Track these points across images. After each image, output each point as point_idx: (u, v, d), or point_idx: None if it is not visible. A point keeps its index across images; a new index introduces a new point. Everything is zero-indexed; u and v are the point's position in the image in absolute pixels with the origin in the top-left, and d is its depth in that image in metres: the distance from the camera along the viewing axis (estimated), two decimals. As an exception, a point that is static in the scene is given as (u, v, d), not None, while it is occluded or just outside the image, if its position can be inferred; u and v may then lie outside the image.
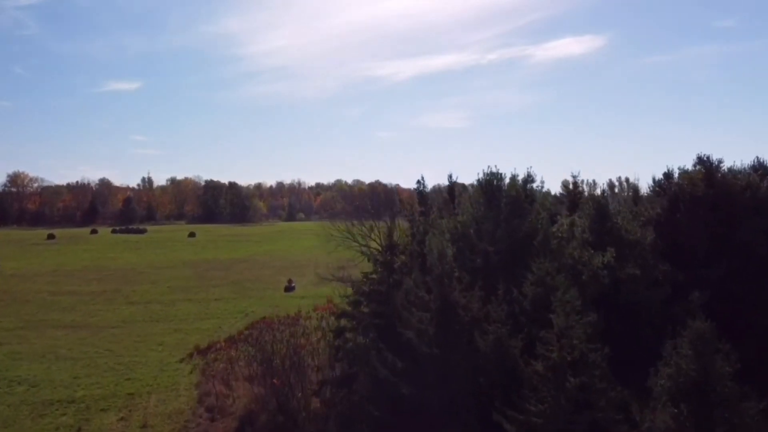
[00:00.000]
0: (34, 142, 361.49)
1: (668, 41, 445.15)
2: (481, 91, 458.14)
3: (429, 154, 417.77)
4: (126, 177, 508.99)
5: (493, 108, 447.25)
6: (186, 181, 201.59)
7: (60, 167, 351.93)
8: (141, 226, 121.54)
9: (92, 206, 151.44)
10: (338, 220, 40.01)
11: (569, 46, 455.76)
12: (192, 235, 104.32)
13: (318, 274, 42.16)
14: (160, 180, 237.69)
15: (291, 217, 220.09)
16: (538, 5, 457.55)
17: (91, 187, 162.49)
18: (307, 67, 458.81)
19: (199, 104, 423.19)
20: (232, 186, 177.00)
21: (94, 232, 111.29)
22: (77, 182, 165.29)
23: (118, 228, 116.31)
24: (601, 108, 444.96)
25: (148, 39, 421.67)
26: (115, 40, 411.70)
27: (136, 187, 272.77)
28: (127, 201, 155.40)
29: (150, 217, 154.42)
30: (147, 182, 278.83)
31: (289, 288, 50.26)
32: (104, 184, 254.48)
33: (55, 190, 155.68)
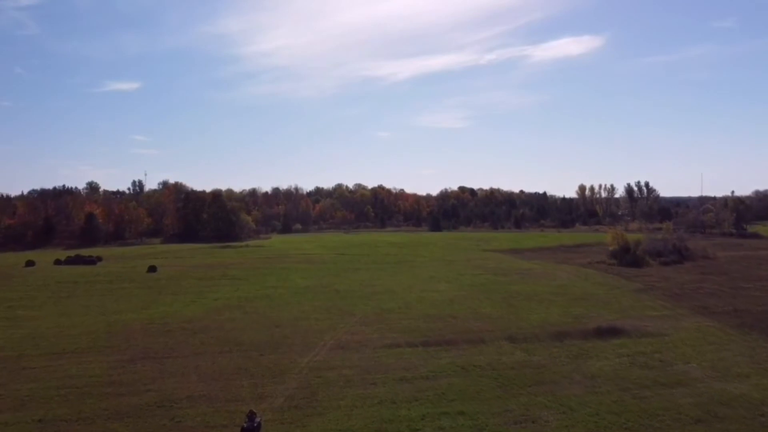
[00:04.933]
0: (34, 142, 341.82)
1: (666, 41, 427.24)
2: (480, 91, 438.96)
3: (430, 155, 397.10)
4: (125, 177, 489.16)
5: (492, 108, 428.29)
6: (167, 190, 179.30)
7: (60, 167, 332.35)
8: (94, 254, 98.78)
9: (47, 224, 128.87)
10: None
11: (568, 47, 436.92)
12: (152, 269, 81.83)
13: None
14: (156, 181, 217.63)
15: (286, 229, 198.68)
16: (537, 5, 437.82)
17: (50, 199, 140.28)
18: (305, 67, 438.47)
19: (198, 104, 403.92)
20: (217, 198, 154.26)
21: (29, 263, 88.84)
22: (29, 191, 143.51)
23: (63, 258, 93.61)
24: (600, 108, 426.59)
25: (147, 39, 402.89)
26: (115, 41, 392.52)
27: (126, 190, 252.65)
28: (90, 218, 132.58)
29: (117, 236, 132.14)
30: (138, 185, 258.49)
31: (247, 430, 27.63)
32: (78, 192, 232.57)
33: (5, 204, 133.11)
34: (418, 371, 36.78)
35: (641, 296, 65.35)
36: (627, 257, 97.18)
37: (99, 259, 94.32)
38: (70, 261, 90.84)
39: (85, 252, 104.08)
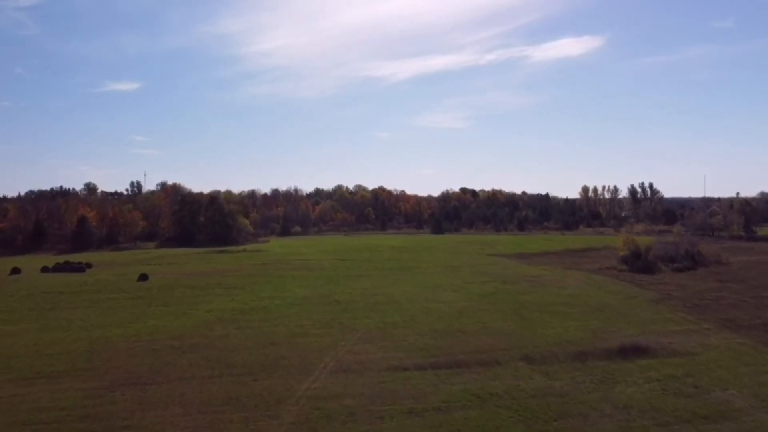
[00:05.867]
0: (34, 142, 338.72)
1: (666, 42, 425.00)
2: (480, 92, 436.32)
3: (430, 155, 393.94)
4: (125, 178, 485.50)
5: (492, 108, 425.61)
6: (163, 193, 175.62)
7: (59, 167, 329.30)
8: (84, 261, 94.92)
9: (37, 228, 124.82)
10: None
11: (568, 47, 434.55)
12: (143, 277, 78.04)
13: None
14: (156, 181, 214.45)
15: (286, 231, 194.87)
16: (537, 6, 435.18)
17: (43, 202, 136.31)
18: (305, 67, 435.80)
19: (198, 105, 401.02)
20: (214, 200, 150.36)
21: (15, 271, 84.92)
22: (26, 192, 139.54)
23: (51, 265, 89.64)
24: (600, 108, 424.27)
25: (147, 39, 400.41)
26: (115, 41, 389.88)
27: (125, 191, 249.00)
28: (82, 221, 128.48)
29: (111, 240, 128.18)
30: (136, 186, 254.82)
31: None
32: (83, 192, 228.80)
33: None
34: (429, 401, 33.02)
35: (659, 307, 61.64)
36: (638, 263, 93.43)
37: (89, 265, 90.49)
38: (58, 268, 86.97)
39: (75, 258, 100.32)
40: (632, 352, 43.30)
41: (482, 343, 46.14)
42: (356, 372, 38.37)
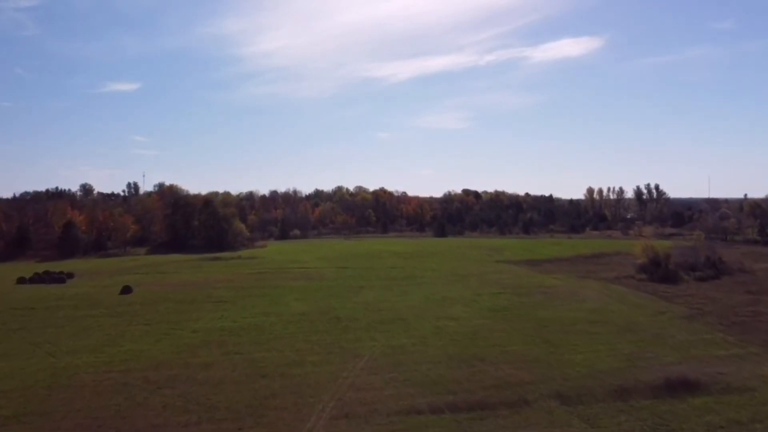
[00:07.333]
0: (34, 143, 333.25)
1: (665, 42, 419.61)
2: (480, 92, 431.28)
3: (430, 155, 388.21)
4: (125, 178, 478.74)
5: (492, 109, 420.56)
6: (156, 195, 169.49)
7: (59, 168, 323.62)
8: (67, 270, 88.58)
9: (22, 233, 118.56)
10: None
11: (567, 48, 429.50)
12: (127, 290, 71.85)
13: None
14: (155, 182, 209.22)
15: (284, 235, 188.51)
16: (536, 7, 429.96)
17: (31, 205, 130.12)
18: (305, 67, 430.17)
19: (198, 105, 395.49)
20: (208, 204, 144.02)
21: (-12, 283, 78.95)
22: (22, 193, 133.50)
23: (30, 275, 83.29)
24: (600, 109, 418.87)
25: (146, 40, 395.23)
26: (114, 42, 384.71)
27: (121, 193, 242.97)
28: (68, 226, 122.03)
29: (99, 246, 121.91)
30: (133, 187, 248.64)
31: None
32: (83, 191, 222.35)
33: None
34: (451, 461, 26.96)
35: (694, 326, 55.63)
36: (659, 272, 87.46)
37: (70, 276, 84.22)
38: (36, 279, 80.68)
39: (59, 266, 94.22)
40: (681, 386, 37.25)
41: (504, 374, 40.09)
42: (360, 417, 32.27)
